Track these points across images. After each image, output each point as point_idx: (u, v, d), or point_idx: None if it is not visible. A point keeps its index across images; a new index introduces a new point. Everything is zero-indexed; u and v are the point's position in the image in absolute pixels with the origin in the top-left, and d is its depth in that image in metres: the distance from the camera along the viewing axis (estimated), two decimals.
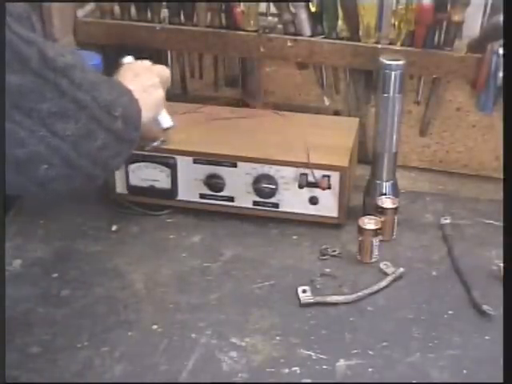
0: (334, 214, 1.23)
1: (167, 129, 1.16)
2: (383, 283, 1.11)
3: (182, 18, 1.40)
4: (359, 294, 1.09)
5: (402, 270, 1.14)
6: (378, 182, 1.25)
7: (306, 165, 1.19)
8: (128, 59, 1.13)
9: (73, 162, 0.83)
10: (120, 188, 1.28)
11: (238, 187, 1.24)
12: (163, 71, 1.11)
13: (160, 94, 1.08)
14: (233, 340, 1.02)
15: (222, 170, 1.23)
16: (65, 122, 0.81)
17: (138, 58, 1.14)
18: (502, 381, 0.85)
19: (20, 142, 0.78)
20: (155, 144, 1.18)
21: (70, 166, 0.83)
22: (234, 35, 1.36)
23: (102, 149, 0.86)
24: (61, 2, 1.36)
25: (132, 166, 1.25)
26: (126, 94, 0.94)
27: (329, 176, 1.20)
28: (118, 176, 1.27)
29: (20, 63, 0.76)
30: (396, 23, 1.29)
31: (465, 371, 0.97)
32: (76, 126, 0.82)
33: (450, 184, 1.39)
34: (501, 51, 1.23)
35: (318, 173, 1.19)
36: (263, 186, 1.22)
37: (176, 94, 1.46)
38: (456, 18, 1.26)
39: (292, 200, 1.23)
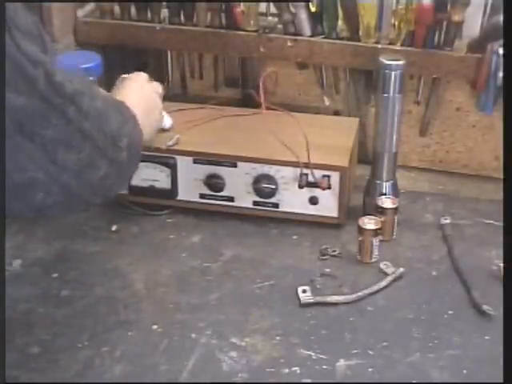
0: (334, 214, 1.23)
1: (168, 129, 1.16)
2: (383, 283, 1.11)
3: (182, 18, 1.40)
4: (359, 293, 1.09)
5: (402, 269, 1.14)
6: (377, 181, 1.25)
7: (306, 165, 1.19)
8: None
9: (72, 191, 0.81)
10: None
11: (238, 187, 1.24)
12: (158, 87, 1.16)
13: (160, 105, 1.12)
14: (233, 340, 1.02)
15: (222, 170, 1.23)
16: (67, 151, 0.78)
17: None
18: (502, 381, 0.85)
19: (19, 166, 0.76)
20: (170, 143, 1.20)
21: (68, 195, 0.81)
22: (234, 35, 1.36)
23: (105, 178, 0.84)
24: (61, 1, 1.36)
25: None
26: (131, 119, 0.92)
27: (329, 176, 1.20)
28: None
29: (26, 84, 0.74)
30: (396, 23, 1.29)
31: (465, 371, 0.97)
32: (79, 156, 0.79)
33: (450, 184, 1.39)
34: (501, 51, 1.23)
35: (318, 173, 1.19)
36: (263, 186, 1.22)
37: (176, 94, 1.46)
38: (456, 18, 1.26)
39: (292, 200, 1.23)
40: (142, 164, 1.24)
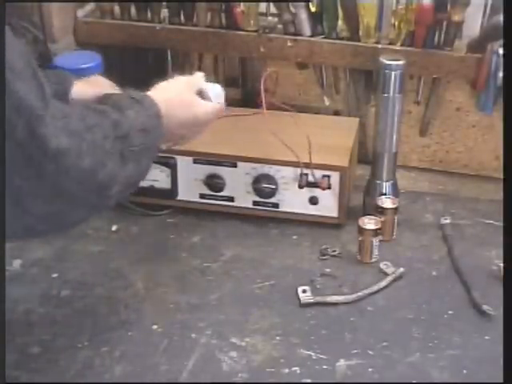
0: (334, 214, 1.23)
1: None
2: (383, 283, 1.11)
3: (182, 18, 1.40)
4: (359, 293, 1.09)
5: (402, 269, 1.14)
6: (378, 181, 1.25)
7: (306, 165, 1.19)
8: None
9: (36, 231, 0.77)
10: None
11: (238, 187, 1.24)
12: (198, 81, 1.07)
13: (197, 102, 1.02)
14: (233, 340, 1.02)
15: (222, 170, 1.23)
16: (35, 201, 0.72)
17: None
18: (502, 381, 0.85)
19: None
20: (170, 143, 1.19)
21: (33, 236, 0.79)
22: (234, 35, 1.36)
23: (80, 222, 0.80)
24: (61, 1, 1.36)
25: None
26: (135, 156, 0.84)
27: (329, 176, 1.20)
28: None
29: (3, 127, 0.69)
30: (396, 23, 1.29)
31: (465, 371, 0.97)
32: (48, 208, 0.74)
33: (450, 184, 1.39)
34: (501, 51, 1.23)
35: (318, 173, 1.20)
36: (263, 186, 1.22)
37: None
38: (456, 18, 1.26)
39: (292, 200, 1.23)
40: None
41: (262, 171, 1.22)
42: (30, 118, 0.70)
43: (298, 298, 1.08)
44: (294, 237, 1.23)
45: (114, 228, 1.25)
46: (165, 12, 1.40)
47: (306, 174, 1.20)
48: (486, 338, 1.02)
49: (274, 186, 1.22)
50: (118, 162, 0.81)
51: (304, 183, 1.20)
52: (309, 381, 0.95)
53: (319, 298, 1.08)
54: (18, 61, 0.71)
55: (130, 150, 0.83)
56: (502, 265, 1.10)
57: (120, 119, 0.83)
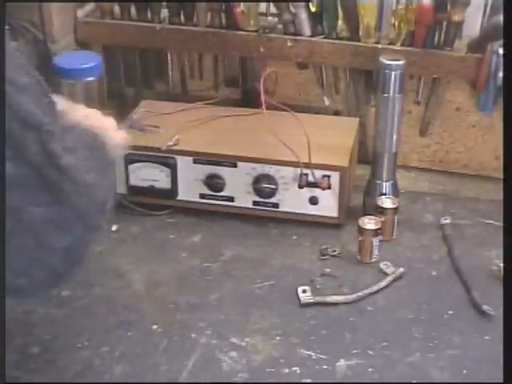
0: (334, 214, 1.23)
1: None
2: (383, 283, 1.11)
3: (182, 18, 1.40)
4: (359, 293, 1.09)
5: (401, 270, 1.14)
6: (378, 181, 1.25)
7: (306, 165, 1.19)
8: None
9: (59, 274, 0.72)
10: (120, 188, 1.28)
11: (238, 187, 1.24)
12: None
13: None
14: (233, 340, 1.02)
15: (222, 170, 1.23)
16: (60, 233, 0.67)
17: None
18: (502, 381, 0.85)
19: None
20: (170, 143, 1.21)
21: (55, 277, 0.72)
22: (234, 35, 1.36)
23: (85, 249, 0.74)
24: (61, 1, 1.36)
25: (132, 166, 1.25)
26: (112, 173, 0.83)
27: (329, 176, 1.20)
28: (118, 176, 1.27)
29: (13, 148, 0.63)
30: (396, 23, 1.29)
31: (465, 371, 0.97)
32: (71, 238, 0.69)
33: (450, 184, 1.39)
34: (501, 51, 1.23)
35: (318, 173, 1.19)
36: (263, 186, 1.22)
37: (176, 94, 1.46)
38: (456, 18, 1.26)
39: (292, 200, 1.23)
40: (142, 164, 1.25)
41: (262, 171, 1.22)
42: (41, 134, 0.65)
43: (298, 298, 1.08)
44: (294, 237, 1.23)
45: (113, 228, 1.25)
46: (165, 12, 1.40)
47: (306, 174, 1.20)
48: (486, 337, 1.02)
49: (274, 186, 1.22)
50: (110, 176, 0.80)
51: (304, 183, 1.20)
52: (309, 381, 0.95)
53: (319, 298, 1.08)
54: (21, 73, 0.67)
55: (104, 163, 0.80)
56: (501, 265, 1.10)
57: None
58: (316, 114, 1.40)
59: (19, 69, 0.67)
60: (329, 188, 1.20)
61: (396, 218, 1.21)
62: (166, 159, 1.24)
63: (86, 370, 0.96)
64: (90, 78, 1.25)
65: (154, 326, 1.04)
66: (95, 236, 0.75)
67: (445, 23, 1.28)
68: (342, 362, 0.98)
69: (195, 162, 1.24)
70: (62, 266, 0.70)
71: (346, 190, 1.20)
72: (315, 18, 1.33)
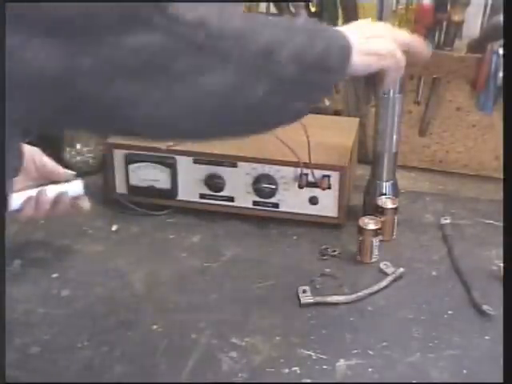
0: (334, 214, 1.23)
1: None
2: (383, 283, 1.11)
3: None
4: (359, 293, 1.09)
5: (401, 270, 1.14)
6: (378, 181, 1.25)
7: (306, 165, 1.19)
8: None
9: (220, 120, 0.75)
10: (120, 188, 1.28)
11: (238, 187, 1.24)
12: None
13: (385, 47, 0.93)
14: (233, 340, 1.01)
15: (221, 170, 1.23)
16: (209, 76, 0.70)
17: None
18: (502, 381, 0.85)
19: (152, 103, 0.69)
20: (170, 143, 1.21)
21: (218, 124, 0.75)
22: None
23: (267, 97, 0.75)
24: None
25: (132, 166, 1.25)
26: (303, 33, 0.79)
27: (329, 176, 1.20)
28: (118, 176, 1.27)
29: (139, 23, 0.66)
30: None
31: (465, 371, 0.97)
32: (224, 78, 0.71)
33: (450, 184, 1.39)
34: (501, 51, 1.23)
35: (318, 173, 1.20)
36: (263, 186, 1.22)
37: None
38: (456, 18, 1.26)
39: (292, 200, 1.23)
40: (142, 164, 1.25)
41: (262, 171, 1.22)
42: (158, 4, 0.67)
43: (298, 298, 1.08)
44: (294, 237, 1.23)
45: (114, 228, 1.25)
46: None
47: (306, 174, 1.20)
48: (486, 337, 1.02)
49: (274, 186, 1.22)
50: (279, 31, 0.77)
51: (304, 183, 1.20)
52: (309, 381, 0.95)
53: (319, 298, 1.08)
54: None
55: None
56: (501, 265, 1.10)
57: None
58: (316, 113, 1.40)
59: None
60: (329, 188, 1.20)
61: (396, 217, 1.21)
62: (165, 159, 1.24)
63: (86, 370, 0.96)
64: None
65: (154, 326, 1.04)
66: (278, 86, 0.77)
67: (445, 23, 1.28)
68: (341, 362, 0.98)
69: (195, 161, 1.24)
70: (222, 110, 0.74)
71: (345, 189, 1.20)
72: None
